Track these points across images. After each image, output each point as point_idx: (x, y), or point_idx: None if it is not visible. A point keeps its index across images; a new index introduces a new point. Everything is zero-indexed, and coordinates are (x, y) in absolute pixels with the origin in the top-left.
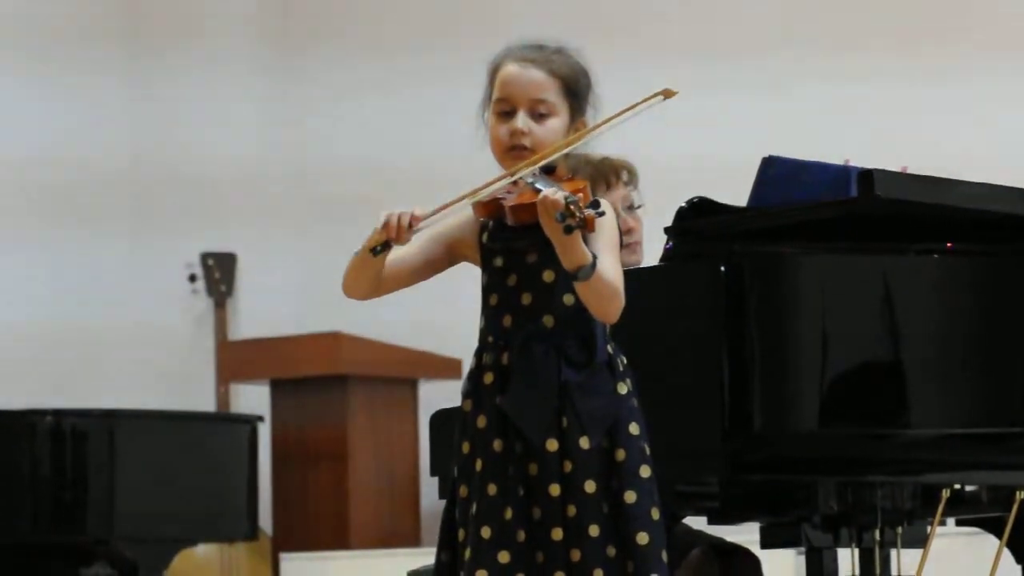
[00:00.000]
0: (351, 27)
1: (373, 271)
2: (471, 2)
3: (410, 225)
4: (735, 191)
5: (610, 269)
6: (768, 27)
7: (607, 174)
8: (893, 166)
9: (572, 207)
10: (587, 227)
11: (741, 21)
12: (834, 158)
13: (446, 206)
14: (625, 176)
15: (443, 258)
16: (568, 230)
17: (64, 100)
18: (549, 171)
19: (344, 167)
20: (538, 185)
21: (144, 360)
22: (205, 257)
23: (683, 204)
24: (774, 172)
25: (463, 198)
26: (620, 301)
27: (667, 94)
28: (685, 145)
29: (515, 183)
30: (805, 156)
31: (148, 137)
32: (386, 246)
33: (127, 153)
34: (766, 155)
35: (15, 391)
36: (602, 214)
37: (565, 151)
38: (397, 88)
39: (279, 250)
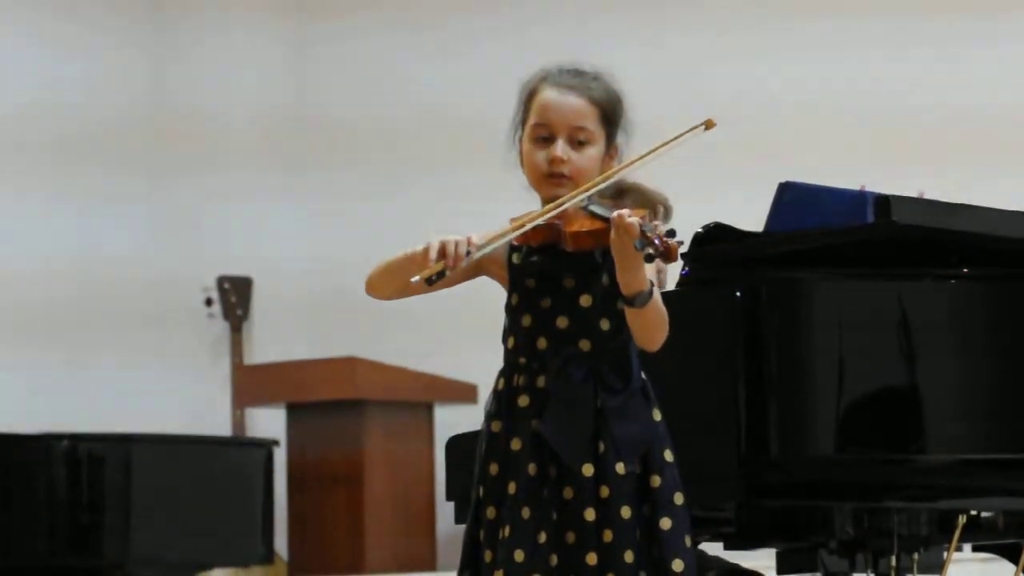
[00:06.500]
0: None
1: (405, 279)
2: None
3: (468, 253)
4: None
5: (659, 297)
6: None
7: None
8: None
9: (649, 234)
10: (670, 256)
11: None
12: None
13: (502, 235)
14: (660, 211)
15: (469, 271)
16: (649, 259)
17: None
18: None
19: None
20: (597, 210)
21: (160, 384)
22: (221, 281)
23: (699, 229)
24: (790, 197)
25: (520, 227)
26: (667, 329)
27: (708, 125)
28: None
29: (566, 209)
30: None
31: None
32: (441, 275)
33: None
34: (782, 180)
35: (33, 420)
36: (681, 243)
37: (609, 181)
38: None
39: (295, 272)
